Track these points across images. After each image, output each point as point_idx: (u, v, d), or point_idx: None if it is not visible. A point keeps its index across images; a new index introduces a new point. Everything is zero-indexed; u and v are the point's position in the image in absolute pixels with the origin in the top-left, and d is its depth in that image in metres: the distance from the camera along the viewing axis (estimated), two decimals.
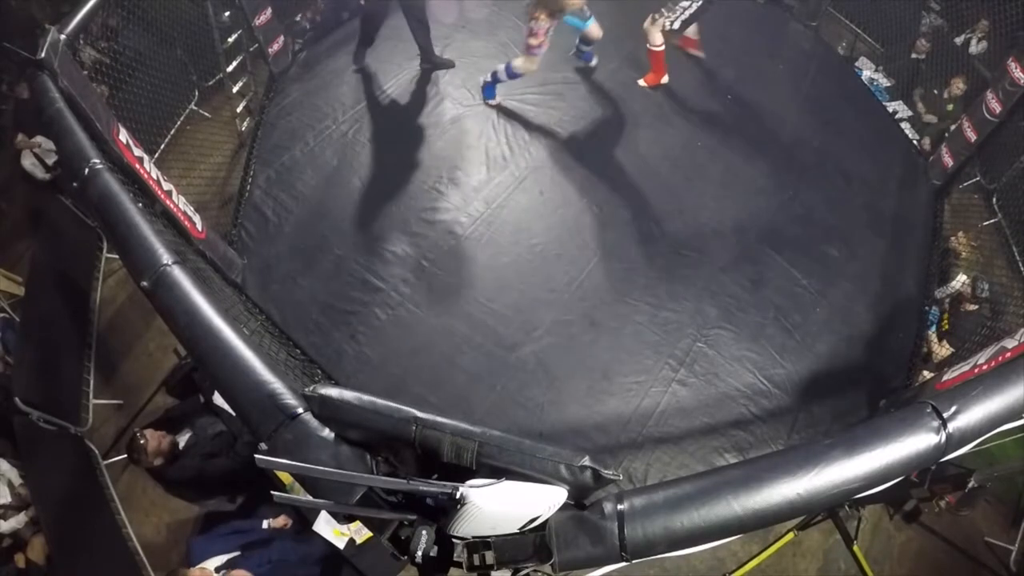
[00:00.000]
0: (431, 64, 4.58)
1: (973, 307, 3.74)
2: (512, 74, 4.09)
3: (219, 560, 2.68)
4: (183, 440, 3.02)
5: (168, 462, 2.92)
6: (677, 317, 3.51)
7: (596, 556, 1.26)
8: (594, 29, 4.18)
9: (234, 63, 4.37)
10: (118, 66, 3.93)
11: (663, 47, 4.28)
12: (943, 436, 1.28)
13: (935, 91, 5.05)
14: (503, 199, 3.90)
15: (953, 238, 4.16)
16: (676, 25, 4.09)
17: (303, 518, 2.87)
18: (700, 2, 4.02)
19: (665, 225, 3.84)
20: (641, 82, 4.51)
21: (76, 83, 2.62)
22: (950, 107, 4.88)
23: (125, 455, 3.00)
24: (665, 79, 4.49)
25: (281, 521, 2.92)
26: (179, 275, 1.75)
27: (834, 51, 5.42)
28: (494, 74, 4.20)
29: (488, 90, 4.32)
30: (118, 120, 2.88)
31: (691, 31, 4.48)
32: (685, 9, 4.04)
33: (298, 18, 4.90)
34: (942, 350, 3.66)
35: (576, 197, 3.94)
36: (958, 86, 4.85)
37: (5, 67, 4.88)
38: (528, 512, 1.21)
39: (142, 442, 2.82)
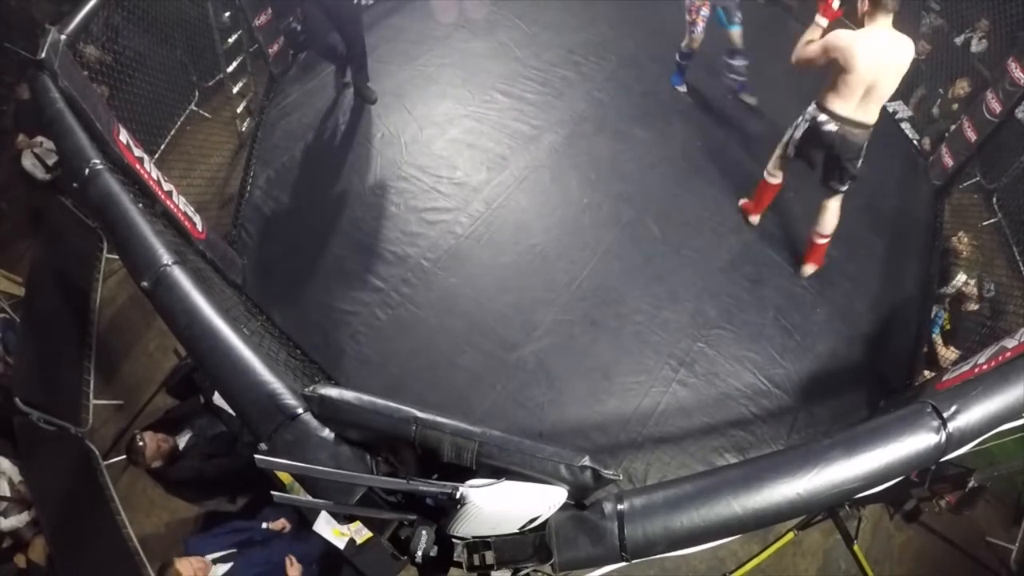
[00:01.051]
0: (359, 92, 4.36)
1: (975, 307, 3.73)
2: (684, 54, 4.28)
3: (215, 556, 2.68)
4: (183, 441, 3.02)
5: (168, 463, 2.92)
6: (677, 317, 3.51)
7: (596, 556, 1.26)
8: (736, 35, 4.14)
9: (234, 64, 4.38)
10: (118, 66, 3.93)
11: (776, 181, 3.53)
12: (943, 436, 1.28)
13: (940, 90, 5.04)
14: (503, 199, 3.90)
15: (955, 238, 4.15)
16: (791, 151, 3.28)
17: (303, 518, 2.87)
18: (807, 124, 3.08)
19: (665, 225, 3.84)
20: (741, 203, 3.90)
21: (76, 83, 2.62)
22: (954, 106, 4.88)
23: (125, 455, 3.01)
24: (755, 219, 3.82)
25: (279, 524, 2.91)
26: (179, 275, 1.75)
27: None
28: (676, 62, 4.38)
29: (675, 77, 4.50)
30: (118, 120, 2.88)
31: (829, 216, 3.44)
32: (797, 127, 3.17)
33: (290, 19, 4.89)
34: (948, 352, 3.65)
35: (576, 197, 3.94)
36: (962, 87, 4.84)
37: (5, 67, 4.88)
38: (528, 512, 1.21)
39: (141, 444, 2.82)
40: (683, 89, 4.52)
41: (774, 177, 3.54)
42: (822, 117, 2.96)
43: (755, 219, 3.86)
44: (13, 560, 3.15)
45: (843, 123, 2.93)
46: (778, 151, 3.40)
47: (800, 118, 3.15)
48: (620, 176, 4.03)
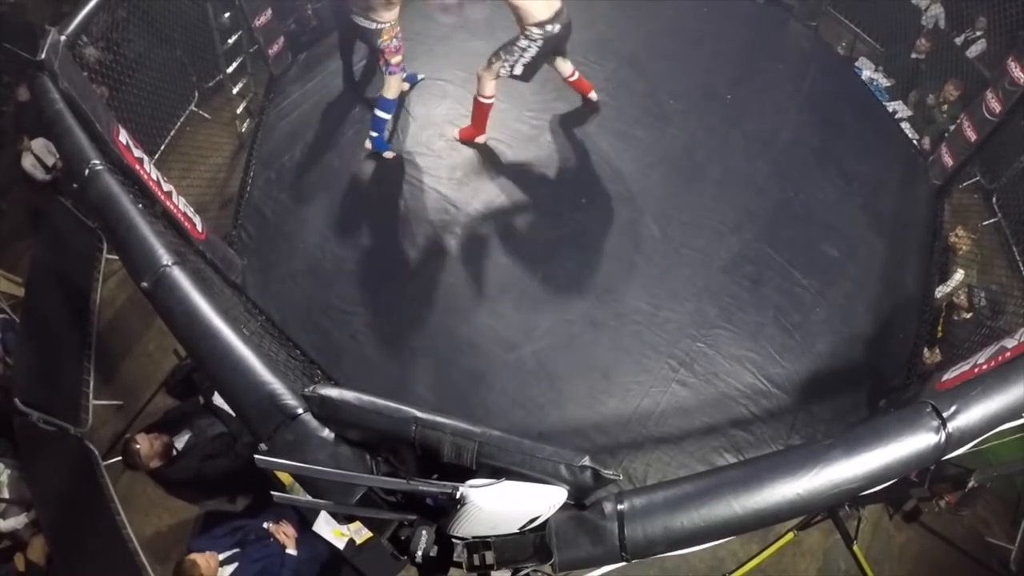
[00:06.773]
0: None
1: (968, 316, 3.73)
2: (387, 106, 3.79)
3: (221, 557, 2.69)
4: (183, 441, 3.01)
5: (167, 463, 2.92)
6: (677, 317, 3.51)
7: (596, 556, 1.26)
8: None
9: (234, 64, 4.38)
10: (118, 67, 3.94)
11: (492, 100, 3.80)
12: (943, 436, 1.28)
13: (930, 95, 5.05)
14: (503, 199, 3.90)
15: (952, 233, 4.15)
16: (518, 71, 3.55)
17: (303, 518, 2.87)
18: (540, 44, 3.40)
19: (665, 225, 3.84)
20: (455, 135, 4.07)
21: (76, 84, 2.62)
22: (945, 107, 4.88)
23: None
24: (483, 138, 4.03)
25: (290, 532, 2.87)
26: (179, 276, 1.75)
27: (834, 51, 5.41)
28: (376, 122, 3.86)
29: (379, 142, 3.97)
30: (118, 121, 2.88)
31: (566, 69, 3.94)
32: (524, 51, 3.46)
33: (289, 21, 4.89)
34: (933, 356, 3.64)
35: (577, 197, 3.94)
36: (951, 91, 4.85)
37: (5, 68, 4.89)
38: (528, 512, 1.22)
39: (136, 447, 2.82)
40: (390, 155, 4.01)
41: (490, 98, 3.79)
42: (545, 29, 3.33)
43: (483, 139, 4.05)
44: (12, 561, 3.15)
45: (557, 17, 3.34)
46: (497, 74, 3.60)
47: (527, 44, 3.41)
48: (620, 176, 4.03)
